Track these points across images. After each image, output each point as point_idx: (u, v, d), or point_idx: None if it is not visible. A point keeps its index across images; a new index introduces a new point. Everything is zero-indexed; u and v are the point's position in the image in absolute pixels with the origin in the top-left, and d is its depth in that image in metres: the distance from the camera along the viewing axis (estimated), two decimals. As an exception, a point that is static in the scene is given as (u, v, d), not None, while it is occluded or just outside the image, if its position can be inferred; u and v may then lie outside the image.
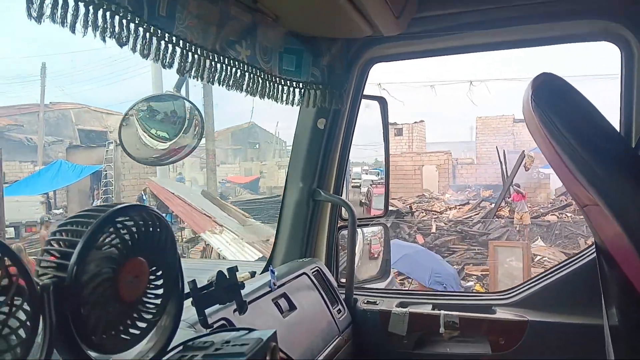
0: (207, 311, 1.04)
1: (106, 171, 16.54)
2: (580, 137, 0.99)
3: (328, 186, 2.01)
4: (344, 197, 2.09)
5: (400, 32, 1.68)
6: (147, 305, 0.83)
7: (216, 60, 1.29)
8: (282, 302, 1.57)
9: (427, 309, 1.91)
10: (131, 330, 0.80)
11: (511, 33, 1.80)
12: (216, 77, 1.31)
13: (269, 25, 1.45)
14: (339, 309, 1.85)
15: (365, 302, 1.97)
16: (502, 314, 1.85)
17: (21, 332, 0.65)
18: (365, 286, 2.12)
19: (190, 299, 1.00)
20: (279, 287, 1.58)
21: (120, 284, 0.77)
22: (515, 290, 1.92)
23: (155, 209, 0.84)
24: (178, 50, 1.15)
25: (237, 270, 1.08)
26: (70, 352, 0.72)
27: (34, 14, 0.84)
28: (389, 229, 2.33)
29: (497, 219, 12.98)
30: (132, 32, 1.02)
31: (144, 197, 15.91)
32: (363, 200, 2.34)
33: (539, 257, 10.06)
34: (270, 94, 1.53)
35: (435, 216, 13.97)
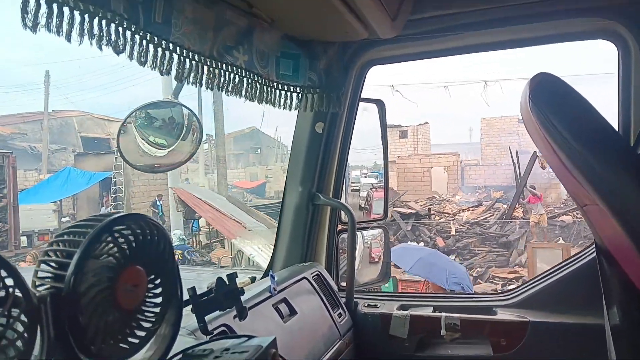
0: (207, 317, 1.05)
1: (116, 178, 16.24)
2: (579, 136, 0.99)
3: (327, 190, 2.01)
4: (343, 200, 2.09)
5: (396, 34, 1.68)
6: (146, 313, 0.83)
7: (214, 66, 1.29)
8: (283, 307, 1.56)
9: (428, 312, 1.91)
10: (130, 339, 0.80)
11: (508, 33, 1.80)
12: (215, 83, 1.31)
13: (265, 30, 1.46)
14: (340, 313, 1.85)
15: (366, 305, 1.97)
16: (503, 315, 1.84)
17: (19, 343, 0.65)
18: (366, 289, 2.12)
19: (190, 306, 1.00)
20: (279, 292, 1.58)
21: (118, 293, 0.77)
22: (516, 291, 1.92)
23: (151, 218, 0.84)
24: (175, 57, 1.15)
25: (237, 277, 1.08)
26: None
27: (29, 24, 0.83)
28: (389, 231, 2.32)
29: (511, 220, 12.92)
30: (129, 39, 1.02)
31: (158, 203, 15.82)
32: (363, 205, 2.34)
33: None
34: (268, 98, 1.53)
35: (451, 219, 13.81)
